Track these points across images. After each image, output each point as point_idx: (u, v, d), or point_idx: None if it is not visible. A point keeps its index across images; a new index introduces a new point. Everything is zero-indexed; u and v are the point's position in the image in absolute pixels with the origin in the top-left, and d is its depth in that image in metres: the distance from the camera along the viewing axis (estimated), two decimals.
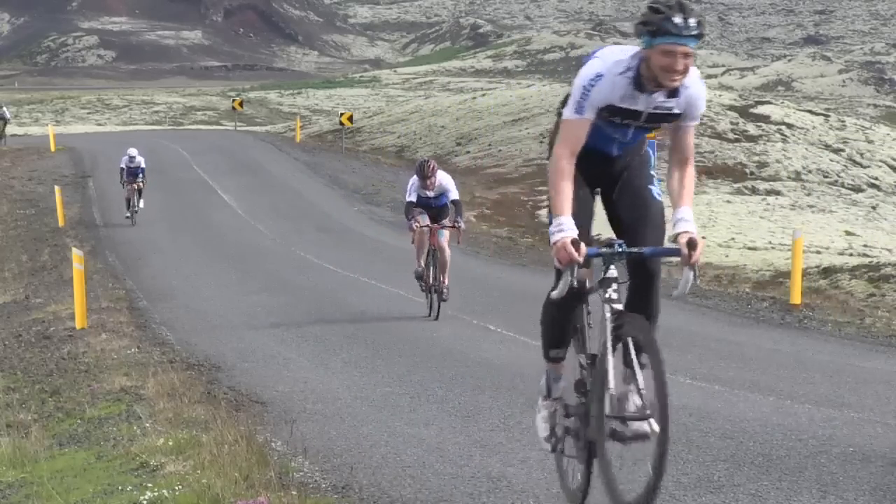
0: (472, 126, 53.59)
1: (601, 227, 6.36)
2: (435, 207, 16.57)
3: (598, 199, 6.33)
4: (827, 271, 23.94)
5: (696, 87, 5.94)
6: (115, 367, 13.30)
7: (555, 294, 5.99)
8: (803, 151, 45.96)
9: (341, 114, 55.11)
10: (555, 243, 5.86)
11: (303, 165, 45.48)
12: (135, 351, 14.40)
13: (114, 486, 8.32)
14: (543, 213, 34.16)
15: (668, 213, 6.15)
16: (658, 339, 5.82)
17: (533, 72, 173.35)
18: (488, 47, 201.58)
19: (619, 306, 5.93)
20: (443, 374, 11.96)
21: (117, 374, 12.82)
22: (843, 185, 43.35)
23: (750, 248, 30.80)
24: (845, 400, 10.23)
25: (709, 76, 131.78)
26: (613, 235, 6.19)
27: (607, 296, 5.92)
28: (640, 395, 5.76)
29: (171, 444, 9.09)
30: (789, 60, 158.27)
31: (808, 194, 41.31)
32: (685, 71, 5.77)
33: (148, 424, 10.06)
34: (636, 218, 6.18)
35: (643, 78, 5.83)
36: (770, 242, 32.21)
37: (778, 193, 41.05)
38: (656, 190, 6.25)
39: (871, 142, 49.19)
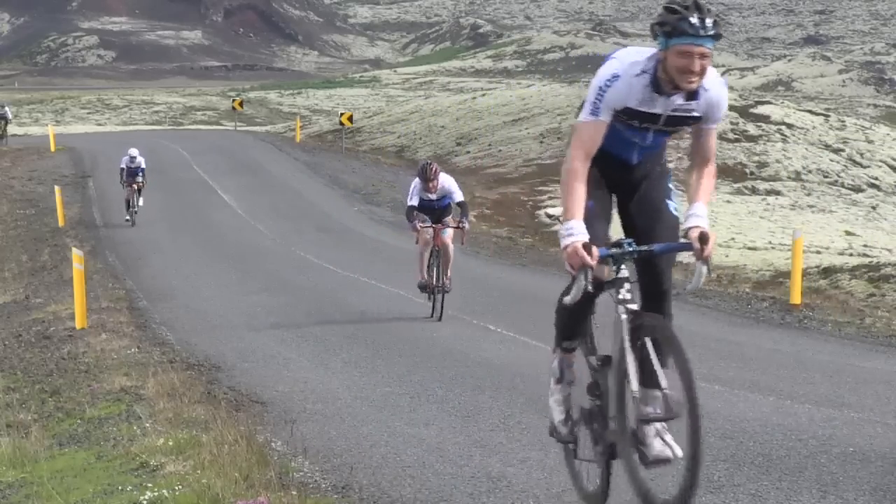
0: (472, 126, 53.57)
1: (612, 231, 6.31)
2: (438, 209, 16.55)
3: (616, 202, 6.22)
4: (827, 271, 23.94)
5: (716, 88, 5.84)
6: (115, 367, 13.30)
7: (568, 300, 5.87)
8: (803, 151, 45.96)
9: (341, 114, 55.08)
10: (565, 248, 5.71)
11: (303, 165, 45.47)
12: (135, 351, 14.41)
13: (114, 486, 8.32)
14: (543, 213, 34.17)
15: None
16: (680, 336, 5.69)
17: (533, 72, 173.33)
18: (488, 47, 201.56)
19: (635, 306, 5.81)
20: (443, 374, 11.96)
21: (117, 374, 12.82)
22: (843, 185, 43.36)
23: (750, 248, 30.81)
24: (845, 400, 10.23)
25: None
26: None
27: (620, 296, 5.80)
28: (666, 396, 5.65)
29: (171, 444, 9.10)
30: (789, 60, 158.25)
31: (808, 194, 41.33)
32: (702, 72, 5.67)
33: (148, 424, 10.06)
34: (650, 223, 6.08)
35: (660, 80, 5.72)
36: (770, 242, 32.22)
37: (778, 193, 41.06)
38: (673, 205, 6.13)
39: (871, 142, 49.19)
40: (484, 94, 69.34)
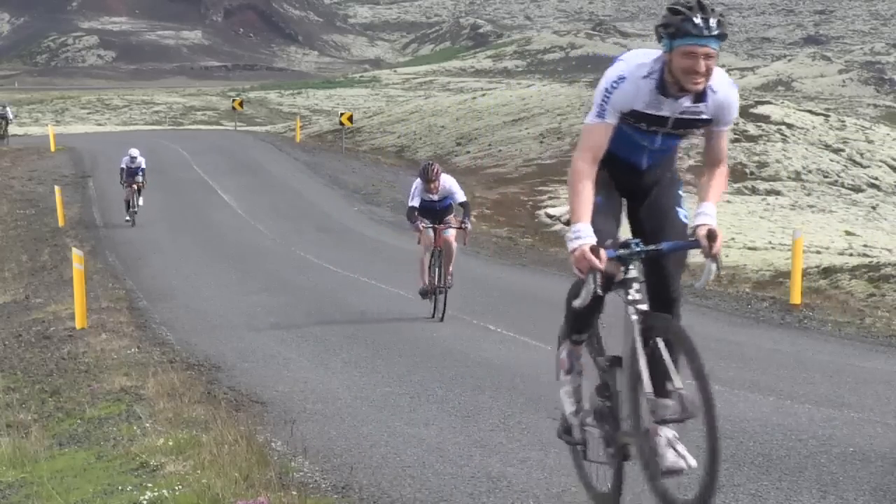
0: (472, 126, 53.56)
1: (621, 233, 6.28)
2: (439, 210, 16.53)
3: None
4: (827, 271, 23.93)
5: (724, 90, 5.81)
6: (115, 367, 13.31)
7: (578, 303, 5.83)
8: (803, 151, 45.95)
9: (341, 114, 55.07)
10: (573, 251, 5.65)
11: (303, 165, 45.46)
12: (135, 351, 14.41)
13: (114, 486, 8.32)
14: (543, 213, 34.17)
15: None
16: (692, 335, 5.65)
17: (533, 72, 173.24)
18: (488, 47, 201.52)
19: (645, 307, 5.76)
20: (443, 374, 11.96)
21: (117, 374, 12.82)
22: (843, 185, 43.34)
23: (750, 248, 30.78)
24: (845, 400, 10.23)
25: None
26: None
27: (630, 297, 5.75)
28: (681, 396, 5.61)
29: (171, 444, 9.10)
30: (789, 60, 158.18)
31: (808, 194, 41.31)
32: (708, 73, 5.63)
33: (148, 424, 10.06)
34: (658, 225, 6.04)
35: (666, 82, 5.68)
36: (770, 242, 32.20)
37: (778, 193, 41.05)
38: (683, 213, 6.10)
39: (871, 142, 49.18)
40: (484, 94, 69.33)
